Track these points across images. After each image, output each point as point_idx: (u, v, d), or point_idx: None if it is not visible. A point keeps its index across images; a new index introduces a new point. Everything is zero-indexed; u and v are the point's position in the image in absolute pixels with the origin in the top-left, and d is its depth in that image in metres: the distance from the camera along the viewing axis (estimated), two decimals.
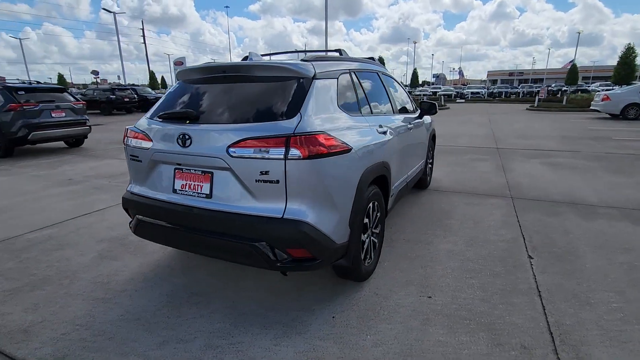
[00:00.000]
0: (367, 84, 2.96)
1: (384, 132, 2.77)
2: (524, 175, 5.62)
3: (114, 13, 29.67)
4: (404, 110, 3.89)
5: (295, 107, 2.03)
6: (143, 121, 2.44)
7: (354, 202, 2.20)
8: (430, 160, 5.05)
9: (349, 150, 2.13)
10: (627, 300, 2.34)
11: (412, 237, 3.40)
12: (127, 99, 21.50)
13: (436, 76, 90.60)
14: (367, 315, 2.24)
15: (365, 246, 2.50)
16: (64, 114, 8.35)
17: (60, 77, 58.11)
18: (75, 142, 9.22)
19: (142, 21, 76.39)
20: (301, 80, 2.16)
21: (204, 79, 2.41)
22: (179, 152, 2.14)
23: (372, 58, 3.59)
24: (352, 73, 2.72)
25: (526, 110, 20.22)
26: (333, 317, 2.23)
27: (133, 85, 29.58)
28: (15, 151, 8.15)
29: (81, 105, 8.89)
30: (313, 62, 2.29)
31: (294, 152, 1.88)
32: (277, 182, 1.91)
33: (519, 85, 49.68)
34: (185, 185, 2.18)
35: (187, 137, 2.10)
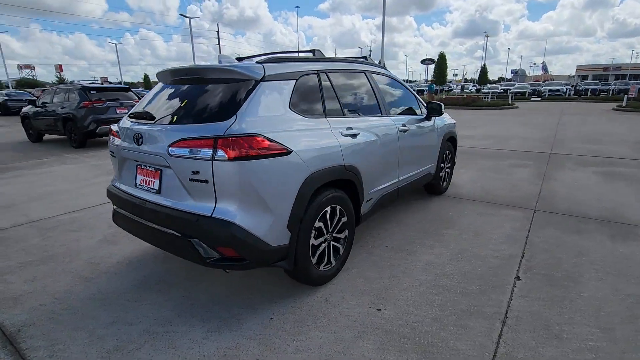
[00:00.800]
0: (342, 85, 2.88)
1: (354, 135, 2.68)
2: (565, 185, 4.97)
3: (189, 18, 32.47)
4: (405, 111, 3.71)
5: (233, 108, 2.07)
6: (122, 120, 2.67)
7: (294, 205, 2.17)
8: (448, 165, 4.72)
9: (287, 152, 2.11)
10: (611, 340, 1.99)
11: (397, 244, 3.24)
12: None
13: (515, 72, 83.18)
14: (304, 321, 2.20)
15: (319, 251, 2.46)
16: (126, 111, 9.37)
17: (146, 77, 64.95)
18: None
19: (217, 24, 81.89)
20: (247, 82, 2.19)
21: (172, 81, 2.57)
22: (136, 149, 2.33)
23: (365, 57, 3.47)
24: (322, 74, 2.67)
25: (612, 111, 17.68)
26: (271, 318, 2.24)
27: None
28: (88, 143, 9.36)
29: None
30: (267, 64, 2.31)
31: (221, 153, 1.93)
32: (207, 182, 1.98)
33: (614, 81, 43.45)
34: (143, 180, 2.36)
35: (139, 136, 2.27)
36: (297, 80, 2.42)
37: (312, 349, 1.97)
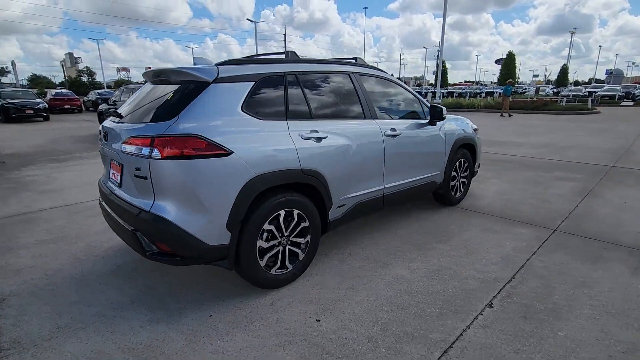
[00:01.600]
0: (315, 87, 2.81)
1: (319, 138, 2.61)
2: (610, 205, 4.28)
3: (255, 22, 34.18)
4: (404, 115, 3.52)
5: (177, 109, 2.15)
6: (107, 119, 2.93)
7: (234, 206, 2.18)
8: (464, 174, 4.35)
9: (227, 154, 2.13)
10: None
11: (374, 255, 3.08)
12: None
13: (609, 72, 73.19)
14: (239, 322, 2.21)
15: (270, 254, 2.44)
16: None
17: None
18: None
19: (284, 27, 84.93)
20: (198, 83, 2.25)
21: (149, 82, 2.74)
22: (106, 145, 2.53)
23: (355, 58, 3.34)
24: (290, 76, 2.64)
25: None
26: (210, 315, 2.28)
27: None
28: None
29: None
30: (223, 66, 2.35)
31: (155, 152, 2.01)
32: (146, 178, 2.08)
33: None
34: (113, 174, 2.56)
35: (106, 133, 2.46)
36: (256, 82, 2.43)
37: (230, 351, 1.97)
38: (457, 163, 4.19)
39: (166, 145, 2.01)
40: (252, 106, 2.37)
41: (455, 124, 4.14)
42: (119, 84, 64.47)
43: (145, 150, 2.05)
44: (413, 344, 2.00)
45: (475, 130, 4.51)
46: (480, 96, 32.12)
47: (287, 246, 2.55)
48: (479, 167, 4.85)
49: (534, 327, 2.12)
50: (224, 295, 2.51)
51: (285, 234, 2.51)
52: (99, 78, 56.29)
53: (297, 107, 2.63)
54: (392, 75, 3.66)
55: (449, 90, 42.40)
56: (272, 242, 2.44)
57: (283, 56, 2.83)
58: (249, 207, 2.24)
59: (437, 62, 18.96)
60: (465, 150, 4.28)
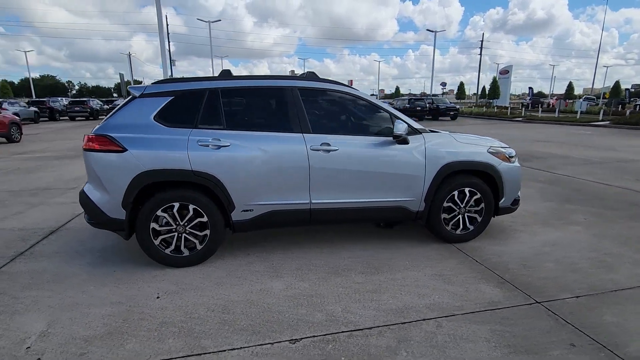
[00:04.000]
0: (237, 102, 3.12)
1: (218, 146, 2.94)
2: None
3: (435, 32, 33.10)
4: (356, 130, 3.33)
5: (109, 115, 2.98)
6: None
7: (127, 191, 2.83)
8: (476, 208, 3.50)
9: (122, 151, 2.81)
10: None
11: (284, 266, 3.10)
12: (419, 108, 24.12)
13: None
14: (115, 280, 2.86)
15: (164, 237, 2.97)
16: None
17: (397, 89, 70.85)
18: None
19: (482, 33, 77.75)
20: (131, 97, 3.03)
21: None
22: None
23: (305, 73, 3.35)
24: (213, 92, 3.05)
25: None
26: (114, 271, 3.03)
27: (433, 95, 32.15)
28: None
29: None
30: (152, 85, 3.05)
31: (83, 144, 2.91)
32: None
33: None
34: None
35: None
36: (174, 97, 3.01)
37: (44, 299, 2.61)
38: (456, 192, 3.44)
39: (88, 141, 2.88)
40: (164, 115, 2.97)
41: (449, 144, 3.43)
42: None
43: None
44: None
45: (502, 155, 3.54)
46: None
47: (184, 234, 3.02)
48: (515, 203, 3.74)
49: None
50: (130, 259, 3.19)
51: (181, 224, 2.99)
52: None
53: (210, 117, 3.04)
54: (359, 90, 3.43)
55: None
56: (166, 228, 2.97)
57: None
58: (140, 193, 2.86)
59: None
60: (473, 179, 3.46)
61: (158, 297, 2.63)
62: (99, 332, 2.22)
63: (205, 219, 3.01)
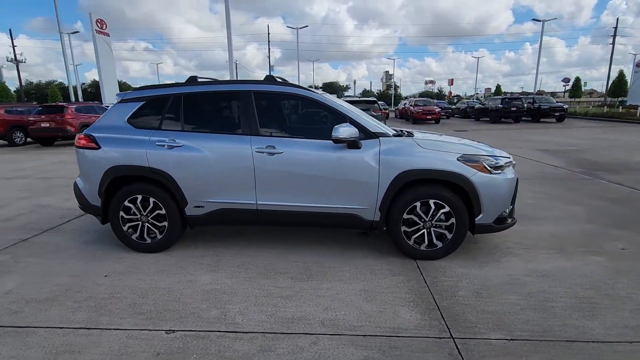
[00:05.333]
0: (196, 106, 3.33)
1: (171, 146, 3.22)
2: None
3: (542, 21, 28.55)
4: (310, 133, 3.28)
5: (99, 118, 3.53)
6: None
7: (100, 182, 3.31)
8: (447, 222, 3.10)
9: (97, 148, 3.30)
10: None
11: (231, 262, 3.24)
12: (514, 109, 21.47)
13: None
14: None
15: (131, 224, 3.39)
16: None
17: (498, 87, 63.10)
18: None
19: (617, 18, 63.90)
20: (117, 101, 3.52)
21: None
22: None
23: (267, 77, 3.40)
24: (178, 97, 3.35)
25: None
26: (97, 249, 3.57)
27: (537, 93, 28.00)
28: None
29: (380, 113, 11.58)
30: (132, 91, 3.49)
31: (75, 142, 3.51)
32: None
33: None
34: None
35: None
36: (145, 102, 3.40)
37: (33, 265, 3.19)
38: (419, 204, 3.11)
39: (77, 139, 3.45)
40: (135, 118, 3.38)
41: (408, 150, 3.09)
42: (422, 95, 73.08)
43: None
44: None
45: (479, 165, 3.05)
46: None
47: (147, 224, 3.40)
48: (500, 222, 3.17)
49: None
50: (114, 242, 3.66)
51: (144, 214, 3.37)
52: (403, 91, 66.00)
53: (171, 120, 3.34)
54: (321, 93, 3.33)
55: None
56: (132, 217, 3.39)
57: None
58: (111, 184, 3.32)
59: None
60: (440, 190, 3.07)
61: (106, 276, 3.03)
62: (42, 297, 2.69)
63: (163, 211, 3.34)
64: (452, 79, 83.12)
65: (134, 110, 3.41)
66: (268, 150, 3.16)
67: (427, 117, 22.72)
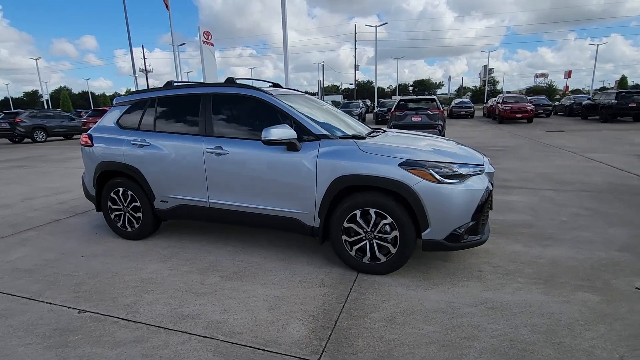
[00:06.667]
0: (166, 109, 3.59)
1: (141, 145, 3.54)
2: None
3: None
4: (250, 134, 3.30)
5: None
6: None
7: (94, 175, 3.83)
8: (385, 235, 2.81)
9: (91, 146, 3.82)
10: None
11: (195, 256, 3.44)
12: (633, 105, 17.63)
13: None
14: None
15: (116, 214, 3.85)
16: (420, 119, 10.70)
17: (622, 79, 51.57)
18: None
19: None
20: (113, 105, 4.02)
21: None
22: None
23: (230, 78, 3.46)
24: (154, 100, 3.67)
25: None
26: (96, 233, 4.13)
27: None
28: None
29: (437, 112, 10.71)
30: (124, 95, 3.94)
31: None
32: None
33: None
34: None
35: None
36: (130, 105, 3.81)
37: (44, 241, 3.79)
38: (359, 212, 2.85)
39: (81, 138, 4.04)
40: (121, 121, 3.81)
41: (347, 154, 2.84)
42: (529, 90, 65.01)
43: None
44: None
45: (423, 172, 2.66)
46: None
47: (127, 214, 3.81)
48: (453, 239, 2.70)
49: None
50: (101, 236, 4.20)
51: (125, 205, 3.79)
52: (507, 86, 59.58)
53: (146, 122, 3.67)
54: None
55: None
56: (117, 206, 3.84)
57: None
58: (101, 177, 3.82)
59: None
60: (381, 199, 2.77)
61: (82, 256, 3.50)
62: (25, 268, 3.25)
63: (138, 203, 3.71)
64: (570, 71, 71.63)
65: (122, 113, 3.85)
66: (216, 150, 3.26)
67: (517, 115, 20.14)
